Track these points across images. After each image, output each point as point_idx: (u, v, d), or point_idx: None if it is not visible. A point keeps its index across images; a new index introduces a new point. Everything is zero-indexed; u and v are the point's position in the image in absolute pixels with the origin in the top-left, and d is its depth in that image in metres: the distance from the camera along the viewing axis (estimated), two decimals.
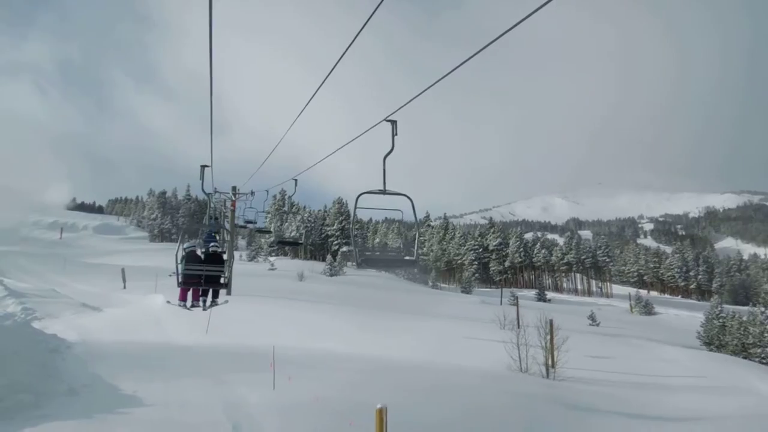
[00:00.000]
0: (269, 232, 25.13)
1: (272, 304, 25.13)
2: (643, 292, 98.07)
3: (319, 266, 67.32)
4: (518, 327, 25.35)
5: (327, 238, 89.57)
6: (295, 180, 13.45)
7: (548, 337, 17.12)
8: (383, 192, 5.79)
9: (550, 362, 16.12)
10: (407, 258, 6.73)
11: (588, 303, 79.96)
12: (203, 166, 11.43)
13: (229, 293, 11.17)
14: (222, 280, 10.14)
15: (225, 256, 10.88)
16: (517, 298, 29.86)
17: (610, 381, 15.93)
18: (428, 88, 5.09)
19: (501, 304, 45.30)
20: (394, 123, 5.77)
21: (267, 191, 19.21)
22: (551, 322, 18.01)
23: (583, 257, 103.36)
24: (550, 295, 77.22)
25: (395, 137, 5.72)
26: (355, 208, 6.03)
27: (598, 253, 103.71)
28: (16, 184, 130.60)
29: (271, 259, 76.49)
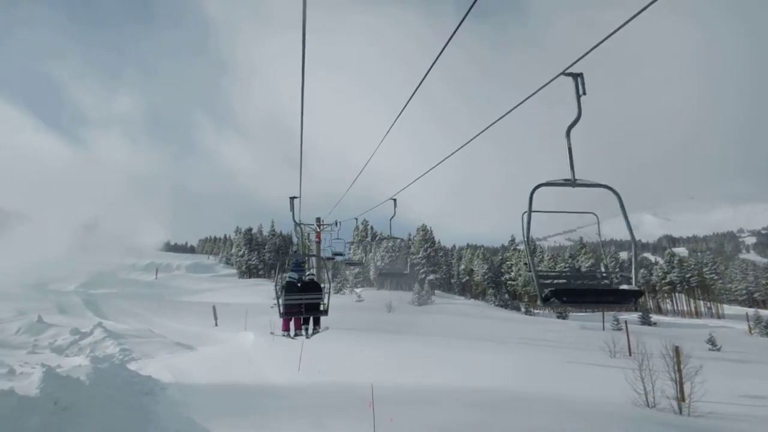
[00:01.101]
0: (360, 264, 24.67)
1: (363, 338, 24.31)
2: (762, 311, 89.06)
3: (406, 296, 66.37)
4: (630, 354, 23.04)
5: (413, 267, 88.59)
6: (394, 200, 12.44)
7: (675, 365, 15.00)
8: (573, 183, 3.87)
9: (680, 395, 14.01)
10: (624, 287, 3.94)
11: (698, 325, 73.37)
12: (292, 198, 11.00)
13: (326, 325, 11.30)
14: (321, 307, 10.26)
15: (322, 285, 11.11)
16: (626, 322, 27.03)
17: (757, 416, 13.58)
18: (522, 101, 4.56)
19: (603, 329, 42.17)
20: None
21: (356, 219, 18.96)
22: (677, 349, 15.81)
23: (687, 276, 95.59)
24: (654, 317, 71.60)
25: (581, 97, 3.89)
26: (530, 210, 3.78)
27: (704, 270, 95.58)
28: (115, 228, 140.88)
29: (358, 290, 76.53)
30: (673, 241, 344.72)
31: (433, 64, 4.57)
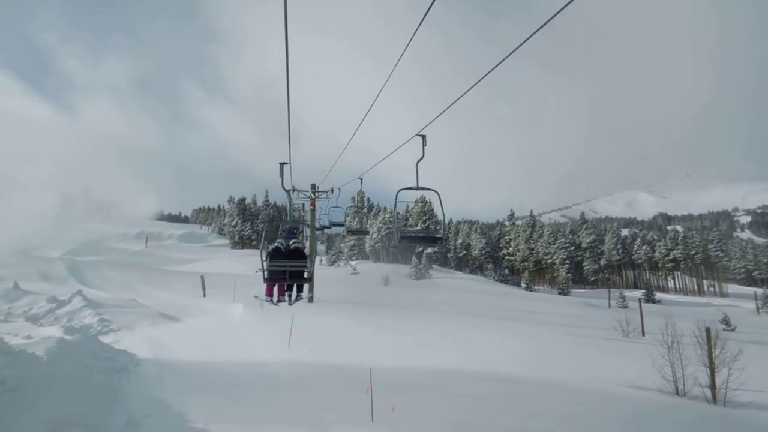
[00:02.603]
0: (366, 232, 24.20)
1: (358, 313, 23.04)
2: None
3: (403, 269, 65.38)
4: (643, 335, 21.96)
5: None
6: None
7: (707, 348, 13.79)
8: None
9: (712, 383, 12.81)
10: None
11: (703, 303, 72.94)
12: (282, 164, 11.32)
13: (311, 291, 13.02)
14: (305, 275, 10.53)
15: (307, 252, 11.31)
16: (640, 301, 25.86)
17: None
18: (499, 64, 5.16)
19: (609, 306, 41.22)
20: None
21: (339, 189, 19.36)
22: (709, 331, 14.56)
23: (692, 253, 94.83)
24: (657, 295, 70.94)
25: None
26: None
27: (709, 247, 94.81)
28: (106, 196, 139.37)
29: (353, 263, 75.55)
30: (668, 219, 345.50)
31: (423, 20, 4.97)
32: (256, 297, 13.03)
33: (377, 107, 8.86)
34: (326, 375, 12.16)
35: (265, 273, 10.11)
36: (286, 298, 11.05)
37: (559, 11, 4.02)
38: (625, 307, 43.84)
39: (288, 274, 10.32)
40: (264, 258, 10.08)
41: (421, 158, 7.15)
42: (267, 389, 11.25)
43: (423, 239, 10.70)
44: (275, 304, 11.24)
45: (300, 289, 11.25)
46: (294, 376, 12.10)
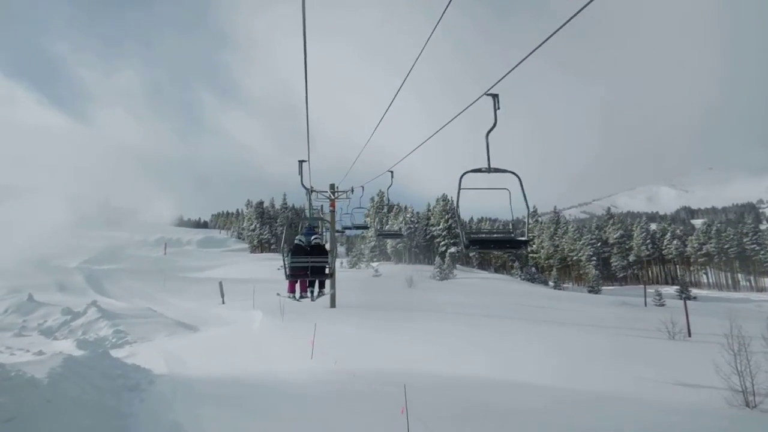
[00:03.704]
0: (401, 235, 22.87)
1: (384, 318, 22.06)
2: None
3: (426, 270, 64.27)
4: (689, 335, 20.63)
5: (433, 239, 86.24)
6: (391, 172, 13.11)
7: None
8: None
9: None
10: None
11: (741, 299, 70.62)
12: (301, 161, 11.42)
13: (333, 290, 12.66)
14: (327, 271, 10.72)
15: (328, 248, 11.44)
16: (685, 300, 24.36)
17: None
18: (526, 57, 4.96)
19: (645, 305, 39.62)
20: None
21: (362, 187, 18.77)
22: None
23: (725, 246, 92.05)
24: (692, 291, 68.75)
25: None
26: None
27: (744, 240, 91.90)
28: (125, 204, 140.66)
29: (374, 264, 74.67)
30: (691, 213, 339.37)
31: (435, 27, 5.26)
32: (278, 294, 13.50)
33: (392, 109, 8.81)
34: (355, 391, 11.18)
35: (287, 270, 10.25)
36: (309, 294, 11.15)
37: (577, 13, 4.00)
38: (662, 305, 42.16)
39: (310, 269, 10.44)
40: (285, 255, 10.23)
41: (494, 126, 5.68)
42: (290, 408, 10.34)
43: (500, 243, 6.73)
44: (298, 300, 11.44)
45: (322, 285, 11.30)
46: (320, 394, 11.15)
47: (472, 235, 6.06)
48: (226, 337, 19.69)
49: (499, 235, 6.78)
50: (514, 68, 5.25)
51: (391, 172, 12.78)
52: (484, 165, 5.56)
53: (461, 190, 5.63)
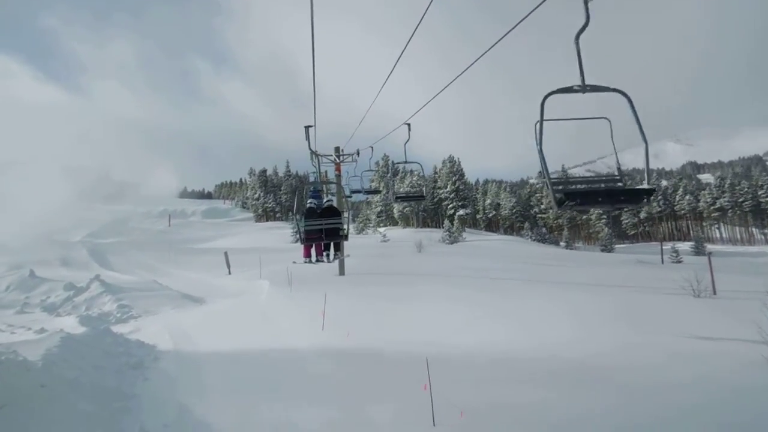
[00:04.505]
0: (422, 197, 21.53)
1: (395, 286, 21.32)
2: None
3: (435, 234, 63.71)
4: (714, 293, 19.96)
5: (440, 203, 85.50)
6: (408, 124, 11.97)
7: None
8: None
9: None
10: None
11: (757, 253, 70.07)
12: (307, 127, 11.25)
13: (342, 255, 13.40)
14: (341, 233, 10.78)
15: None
16: (709, 255, 23.54)
17: None
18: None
19: (662, 262, 38.91)
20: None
21: (371, 148, 17.77)
22: None
23: (740, 200, 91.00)
24: (706, 246, 68.11)
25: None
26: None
27: (759, 193, 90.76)
28: (127, 177, 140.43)
29: (381, 230, 74.20)
30: (698, 168, 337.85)
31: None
32: (294, 262, 14.02)
33: (390, 76, 8.81)
34: (371, 365, 10.59)
35: (302, 234, 10.45)
36: (324, 258, 11.48)
37: None
38: (679, 261, 41.47)
39: (324, 232, 10.60)
40: (299, 219, 10.50)
41: (585, 25, 3.79)
42: (303, 385, 9.77)
43: (612, 195, 4.32)
44: (314, 263, 11.75)
45: (337, 248, 11.69)
46: (333, 368, 10.57)
47: (569, 187, 4.63)
48: (233, 310, 19.18)
49: (607, 185, 5.14)
50: (492, 47, 5.41)
51: (408, 124, 11.78)
52: (577, 82, 3.93)
53: (544, 121, 3.90)
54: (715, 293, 19.72)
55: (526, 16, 4.95)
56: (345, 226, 10.84)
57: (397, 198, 15.23)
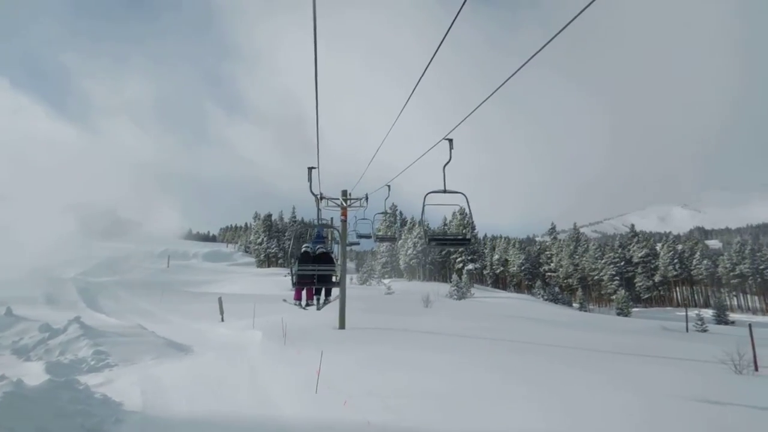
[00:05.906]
0: (394, 239, 25.13)
1: (401, 345, 19.30)
2: None
3: (442, 288, 61.75)
4: (756, 370, 18.07)
5: (448, 255, 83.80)
6: (389, 186, 14.38)
7: None
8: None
9: None
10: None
11: None
12: (310, 168, 11.19)
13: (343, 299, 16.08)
14: (333, 279, 11.04)
15: (335, 258, 11.69)
16: (750, 326, 21.63)
17: None
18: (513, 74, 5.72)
19: (687, 330, 36.77)
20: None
21: (366, 196, 19.95)
22: None
23: (761, 267, 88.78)
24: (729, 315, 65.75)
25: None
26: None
27: None
28: (132, 216, 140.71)
29: (386, 281, 72.44)
30: (705, 234, 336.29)
31: (442, 41, 5.51)
32: (284, 300, 14.73)
33: (399, 119, 9.38)
34: None
35: (294, 277, 10.83)
36: (315, 302, 11.68)
37: (576, 17, 4.36)
38: (705, 330, 39.20)
39: (316, 278, 10.91)
40: (293, 262, 10.82)
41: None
42: None
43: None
44: (304, 308, 11.96)
45: (328, 293, 11.79)
46: None
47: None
48: (220, 363, 17.41)
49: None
50: (508, 79, 5.68)
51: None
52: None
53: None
54: (756, 369, 17.91)
55: (531, 58, 5.34)
56: (337, 273, 11.22)
57: (431, 240, 12.58)
